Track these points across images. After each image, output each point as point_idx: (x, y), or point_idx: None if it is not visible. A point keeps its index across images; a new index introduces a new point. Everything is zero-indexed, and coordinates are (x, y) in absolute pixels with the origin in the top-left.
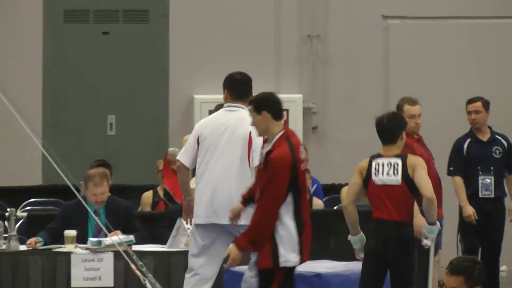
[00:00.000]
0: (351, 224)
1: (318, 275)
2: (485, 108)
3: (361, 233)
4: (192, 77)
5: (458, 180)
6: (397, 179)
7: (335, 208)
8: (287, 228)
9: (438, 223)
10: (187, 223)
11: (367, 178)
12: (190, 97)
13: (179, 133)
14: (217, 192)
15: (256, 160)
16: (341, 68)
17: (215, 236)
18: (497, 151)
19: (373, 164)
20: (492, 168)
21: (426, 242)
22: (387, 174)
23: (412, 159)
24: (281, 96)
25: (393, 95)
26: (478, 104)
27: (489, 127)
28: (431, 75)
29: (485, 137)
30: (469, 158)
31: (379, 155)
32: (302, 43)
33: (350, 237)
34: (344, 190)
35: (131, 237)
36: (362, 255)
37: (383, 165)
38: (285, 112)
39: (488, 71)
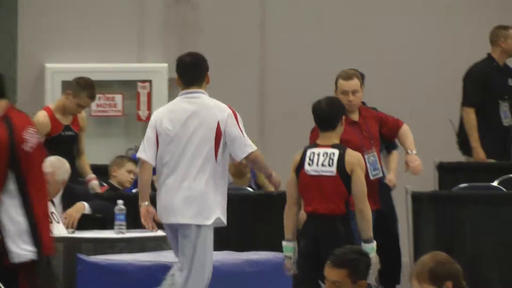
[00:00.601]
0: (289, 226)
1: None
2: (362, 84)
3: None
4: (44, 43)
5: None
6: (331, 169)
7: None
8: (15, 222)
9: (374, 241)
10: (150, 229)
11: (298, 170)
12: (41, 66)
13: (28, 108)
14: (180, 190)
15: (226, 153)
16: (213, 37)
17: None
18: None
19: (308, 153)
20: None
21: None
22: (322, 164)
23: (352, 155)
24: (144, 65)
25: (270, 68)
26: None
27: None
28: (311, 45)
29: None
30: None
31: (315, 145)
32: (169, 7)
33: (285, 243)
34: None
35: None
36: (292, 271)
37: (318, 154)
38: (148, 83)
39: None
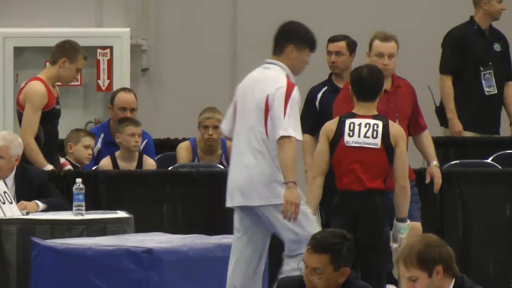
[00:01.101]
0: (312, 197)
1: (149, 251)
2: (350, 51)
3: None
4: None
5: (306, 138)
6: (376, 141)
7: (169, 168)
8: None
9: (408, 220)
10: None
11: (334, 141)
12: None
13: None
14: (232, 170)
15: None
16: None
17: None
18: None
19: (347, 123)
20: None
21: (395, 246)
22: (365, 135)
23: (395, 128)
24: (104, 30)
25: (241, 35)
26: (342, 44)
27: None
28: (286, 11)
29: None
30: (322, 112)
31: (352, 115)
32: None
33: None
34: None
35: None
36: None
37: (359, 125)
38: (108, 50)
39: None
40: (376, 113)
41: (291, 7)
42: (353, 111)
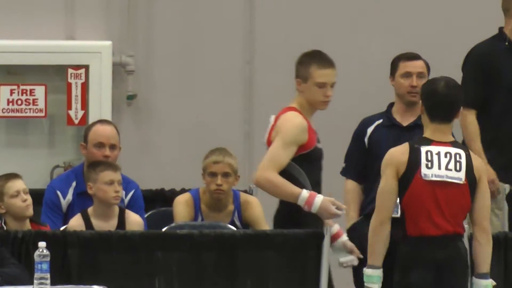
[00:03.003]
0: (380, 249)
1: None
2: (428, 72)
3: None
4: None
5: (350, 185)
6: (460, 175)
7: (163, 229)
8: None
9: (489, 278)
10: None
11: (407, 175)
12: None
13: None
14: None
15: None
16: (176, 4)
17: None
18: None
19: (422, 152)
20: None
21: None
22: (446, 167)
23: (477, 159)
24: (77, 43)
25: (259, 52)
26: (422, 64)
27: None
28: (312, 19)
29: (405, 119)
30: (372, 151)
31: (427, 141)
32: None
33: (372, 271)
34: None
35: None
36: None
37: (438, 154)
38: (83, 70)
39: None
40: (453, 139)
41: (317, 14)
42: (426, 135)
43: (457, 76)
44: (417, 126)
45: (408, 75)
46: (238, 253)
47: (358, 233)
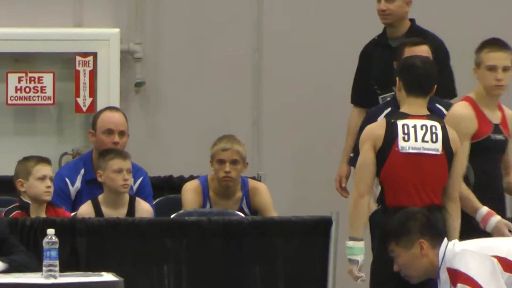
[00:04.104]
0: (360, 221)
1: None
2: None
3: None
4: None
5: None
6: (437, 146)
7: (172, 216)
8: None
9: None
10: None
11: (385, 148)
12: None
13: None
14: None
15: None
16: None
17: None
18: None
19: (399, 126)
20: None
21: None
22: (423, 139)
23: (453, 132)
24: (85, 31)
25: (268, 37)
26: (424, 48)
27: None
28: (315, 7)
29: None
30: None
31: (403, 115)
32: None
33: (353, 243)
34: None
35: None
36: (360, 279)
37: (414, 127)
38: (91, 57)
39: None
40: (428, 112)
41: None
42: (403, 110)
43: None
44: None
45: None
46: (246, 240)
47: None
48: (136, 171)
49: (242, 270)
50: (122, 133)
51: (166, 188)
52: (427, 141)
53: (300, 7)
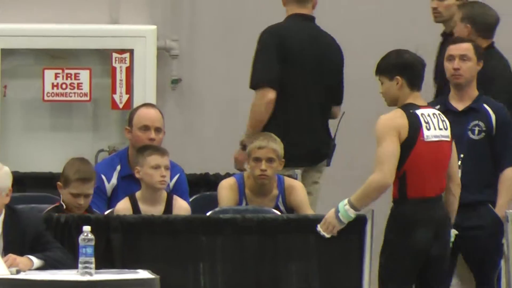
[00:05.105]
0: (369, 203)
1: None
2: (477, 56)
3: None
4: None
5: None
6: (447, 133)
7: (208, 214)
8: None
9: None
10: None
11: (411, 138)
12: None
13: None
14: None
15: None
16: None
17: None
18: (476, 129)
19: (419, 115)
20: (462, 155)
21: None
22: (439, 127)
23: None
24: (121, 28)
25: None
26: (467, 46)
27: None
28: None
29: (461, 104)
30: None
31: (414, 105)
32: None
33: (353, 213)
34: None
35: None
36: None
37: (429, 116)
38: (127, 54)
39: None
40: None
41: None
42: (410, 101)
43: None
44: (471, 110)
45: (451, 58)
46: (281, 237)
47: None
48: (172, 168)
49: (277, 267)
50: (158, 130)
51: (202, 186)
52: (441, 129)
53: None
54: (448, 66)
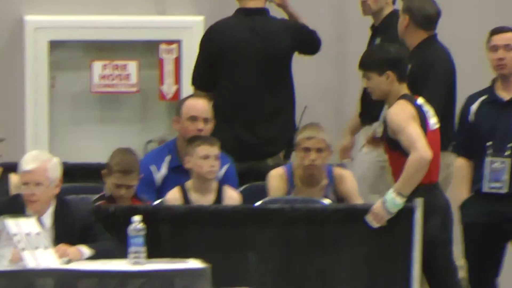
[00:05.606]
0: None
1: None
2: None
3: None
4: None
5: (460, 162)
6: (436, 120)
7: (256, 204)
8: None
9: None
10: None
11: (422, 127)
12: (19, 19)
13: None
14: None
15: None
16: None
17: None
18: None
19: (420, 105)
20: (509, 145)
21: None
22: (431, 116)
23: None
24: (169, 19)
25: (350, 14)
26: (510, 35)
27: None
28: None
29: (508, 94)
30: (476, 128)
31: (410, 97)
32: None
33: (403, 201)
34: None
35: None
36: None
37: (424, 105)
38: (175, 45)
39: None
40: None
41: None
42: (405, 92)
43: None
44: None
45: (495, 48)
46: (329, 227)
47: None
48: (222, 158)
49: (326, 257)
50: (206, 120)
51: (251, 176)
52: (433, 116)
53: None
54: (492, 56)
